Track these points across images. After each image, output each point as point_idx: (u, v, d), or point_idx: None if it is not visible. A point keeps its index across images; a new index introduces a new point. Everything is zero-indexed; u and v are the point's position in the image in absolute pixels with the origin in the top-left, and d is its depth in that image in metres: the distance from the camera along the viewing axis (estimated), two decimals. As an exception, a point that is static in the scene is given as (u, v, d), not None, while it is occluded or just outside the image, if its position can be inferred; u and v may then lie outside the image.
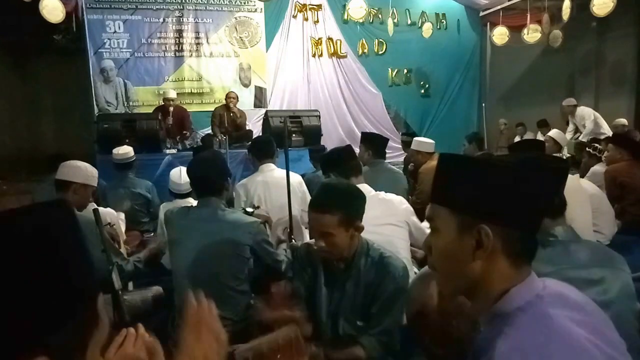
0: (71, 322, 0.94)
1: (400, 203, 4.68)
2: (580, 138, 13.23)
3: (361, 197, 3.34)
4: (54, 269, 0.92)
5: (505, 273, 1.61)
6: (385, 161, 7.46)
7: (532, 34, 13.90)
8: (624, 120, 13.24)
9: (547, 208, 1.68)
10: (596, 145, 8.77)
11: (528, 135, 14.90)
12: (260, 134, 11.82)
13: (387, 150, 7.64)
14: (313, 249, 3.54)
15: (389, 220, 4.36)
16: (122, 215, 6.28)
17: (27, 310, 0.88)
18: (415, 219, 4.73)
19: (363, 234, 3.38)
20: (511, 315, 1.54)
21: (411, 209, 4.77)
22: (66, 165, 4.75)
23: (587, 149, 8.87)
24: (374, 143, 7.37)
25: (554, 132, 9.78)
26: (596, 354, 1.45)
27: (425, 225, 4.96)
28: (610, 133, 11.12)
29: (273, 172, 5.87)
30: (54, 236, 0.95)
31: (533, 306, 1.53)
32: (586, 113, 13.67)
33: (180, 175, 6.25)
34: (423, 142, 8.39)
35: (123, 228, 6.16)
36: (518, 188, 1.60)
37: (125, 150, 7.62)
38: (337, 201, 3.21)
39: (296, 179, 5.96)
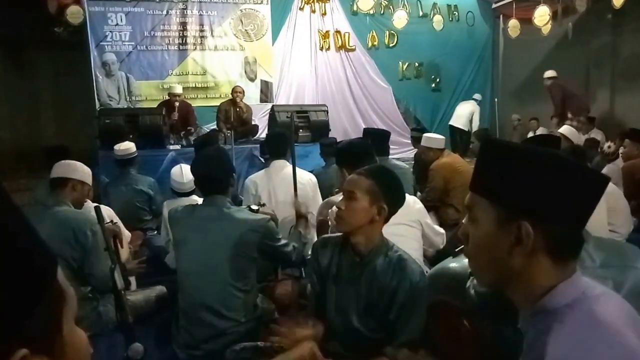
0: (39, 305, 0.91)
1: (414, 203, 4.67)
2: None
3: (401, 190, 3.37)
4: (3, 251, 0.89)
5: (549, 270, 1.55)
6: (390, 157, 7.43)
7: (545, 26, 13.85)
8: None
9: (594, 205, 1.61)
10: (610, 143, 8.74)
11: (541, 131, 14.79)
12: (267, 130, 11.84)
13: (396, 147, 7.64)
14: (330, 239, 3.55)
15: (402, 220, 4.33)
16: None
17: None
18: (428, 220, 4.73)
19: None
20: (559, 312, 1.50)
21: (424, 209, 4.76)
22: (61, 163, 4.79)
23: (599, 148, 8.86)
24: (374, 139, 7.31)
25: (564, 129, 9.76)
26: None
27: (440, 229, 4.98)
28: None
29: (284, 169, 5.79)
30: None
31: (581, 304, 1.50)
32: None
33: (182, 173, 6.22)
34: (433, 138, 8.35)
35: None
36: (567, 184, 1.52)
37: (126, 146, 7.62)
38: (378, 172, 3.30)
39: (309, 177, 5.95)
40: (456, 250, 3.16)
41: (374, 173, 3.27)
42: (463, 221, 1.89)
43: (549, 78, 13.77)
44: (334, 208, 4.31)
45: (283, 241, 4.37)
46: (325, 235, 3.86)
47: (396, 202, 3.30)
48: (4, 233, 0.88)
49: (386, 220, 3.27)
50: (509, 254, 1.56)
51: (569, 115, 13.25)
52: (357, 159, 4.64)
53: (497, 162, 1.62)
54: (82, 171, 4.80)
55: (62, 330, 0.97)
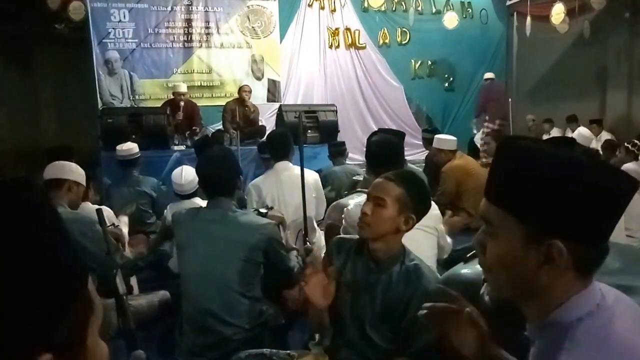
0: (67, 313, 0.92)
1: (432, 208, 4.57)
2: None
3: (429, 199, 3.43)
4: (39, 257, 0.89)
5: (570, 284, 1.51)
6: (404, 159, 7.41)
7: (562, 24, 13.83)
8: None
9: (622, 213, 1.56)
10: (636, 141, 8.71)
11: (555, 132, 14.85)
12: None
13: (407, 148, 7.58)
14: (346, 241, 3.51)
15: (418, 225, 4.25)
16: (126, 219, 6.18)
17: (21, 310, 0.86)
18: (442, 227, 4.66)
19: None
20: (571, 327, 1.47)
21: (440, 215, 4.69)
22: (55, 164, 4.80)
23: (625, 144, 8.82)
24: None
25: (575, 133, 9.73)
26: None
27: (448, 239, 4.89)
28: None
29: (288, 171, 5.76)
30: (32, 220, 0.91)
31: (594, 318, 1.46)
32: None
33: (182, 175, 6.26)
34: (444, 139, 8.33)
35: (125, 231, 6.11)
36: (602, 198, 1.43)
37: (129, 147, 7.63)
38: (409, 180, 3.26)
39: (312, 177, 5.92)
40: (468, 255, 3.13)
41: (405, 180, 3.23)
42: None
43: (485, 79, 14.75)
44: (347, 209, 4.29)
45: (285, 252, 4.34)
46: (342, 236, 3.81)
47: (424, 212, 3.32)
48: (37, 240, 0.90)
49: (409, 229, 3.24)
50: (536, 273, 1.51)
51: (486, 118, 13.98)
52: (389, 161, 4.59)
53: (523, 173, 1.50)
54: (77, 172, 4.81)
55: (86, 340, 0.99)
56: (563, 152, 1.47)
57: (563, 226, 1.45)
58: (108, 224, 4.55)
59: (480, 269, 1.78)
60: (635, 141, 8.79)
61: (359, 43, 15.80)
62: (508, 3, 16.59)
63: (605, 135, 13.07)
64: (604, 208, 1.45)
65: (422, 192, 3.30)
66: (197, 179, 5.94)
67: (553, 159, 1.47)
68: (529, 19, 14.80)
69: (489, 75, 14.81)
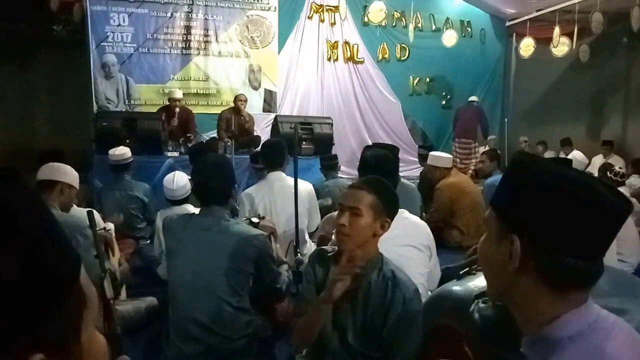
0: (59, 310, 0.90)
1: (425, 227, 4.57)
2: None
3: (398, 202, 3.41)
4: (28, 253, 0.88)
5: (549, 298, 1.51)
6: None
7: (560, 47, 13.87)
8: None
9: (607, 238, 1.55)
10: (615, 168, 8.72)
11: (548, 155, 14.90)
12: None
13: (403, 164, 7.58)
14: (326, 252, 3.53)
15: (410, 242, 4.23)
16: (111, 226, 6.09)
17: (9, 306, 0.83)
18: (434, 248, 4.64)
19: (381, 252, 3.35)
20: (559, 343, 1.47)
21: (432, 237, 4.66)
22: (50, 166, 4.80)
23: (607, 173, 8.86)
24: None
25: (570, 157, 9.75)
26: None
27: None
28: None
29: (282, 181, 5.77)
30: (18, 214, 0.88)
31: (585, 337, 1.46)
32: None
33: (173, 180, 6.25)
34: (439, 156, 8.32)
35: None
36: (576, 213, 1.44)
37: (121, 151, 7.61)
38: (378, 186, 3.30)
39: (306, 188, 5.89)
40: (460, 273, 3.12)
41: (376, 187, 3.28)
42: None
43: (468, 101, 15.30)
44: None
45: (275, 266, 4.31)
46: (322, 247, 3.82)
47: (395, 213, 3.35)
48: (25, 234, 0.88)
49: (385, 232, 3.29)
50: (504, 268, 1.55)
51: (453, 136, 14.99)
52: (384, 175, 4.58)
53: (510, 176, 1.61)
54: (71, 174, 4.82)
55: (80, 337, 0.97)
56: (557, 164, 1.53)
57: (518, 221, 1.53)
58: (98, 228, 4.54)
59: (472, 287, 1.79)
60: (615, 168, 8.82)
61: (357, 57, 15.79)
62: (507, 24, 16.67)
63: (615, 158, 13.12)
64: (573, 217, 1.46)
65: (391, 196, 3.35)
66: (188, 185, 5.95)
67: (541, 164, 1.56)
68: (525, 40, 14.88)
69: (471, 98, 15.22)
